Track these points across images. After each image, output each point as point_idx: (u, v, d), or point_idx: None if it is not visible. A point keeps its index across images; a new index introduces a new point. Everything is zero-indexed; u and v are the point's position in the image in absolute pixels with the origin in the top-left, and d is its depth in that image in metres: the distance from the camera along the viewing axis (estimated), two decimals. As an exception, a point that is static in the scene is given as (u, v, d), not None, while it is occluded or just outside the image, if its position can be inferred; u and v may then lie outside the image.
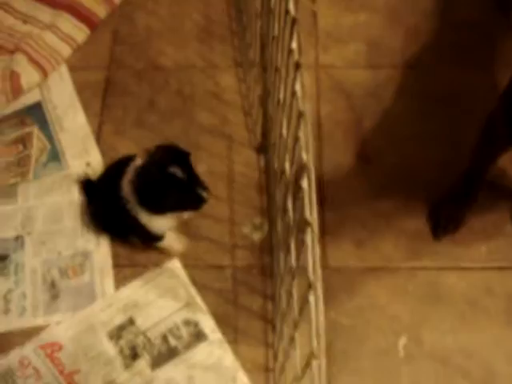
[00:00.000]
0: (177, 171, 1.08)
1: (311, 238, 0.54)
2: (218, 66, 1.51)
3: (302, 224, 0.56)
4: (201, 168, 1.34)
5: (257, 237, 1.29)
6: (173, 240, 1.25)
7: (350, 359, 1.16)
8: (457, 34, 1.53)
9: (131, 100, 1.47)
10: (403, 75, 1.47)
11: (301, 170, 0.59)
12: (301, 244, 0.58)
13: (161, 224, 1.18)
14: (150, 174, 1.09)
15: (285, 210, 0.80)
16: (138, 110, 1.45)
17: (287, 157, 0.78)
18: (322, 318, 0.50)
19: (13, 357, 1.19)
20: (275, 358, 1.12)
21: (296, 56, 0.64)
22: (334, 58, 1.50)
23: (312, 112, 1.40)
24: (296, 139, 0.63)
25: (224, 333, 1.19)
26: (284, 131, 0.80)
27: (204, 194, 1.12)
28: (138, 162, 1.12)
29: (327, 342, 0.56)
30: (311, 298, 0.54)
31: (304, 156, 0.58)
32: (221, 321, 1.20)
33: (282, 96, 0.82)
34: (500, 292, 1.23)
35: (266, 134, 1.28)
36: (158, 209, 1.13)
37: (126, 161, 1.18)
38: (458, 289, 1.23)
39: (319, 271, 0.51)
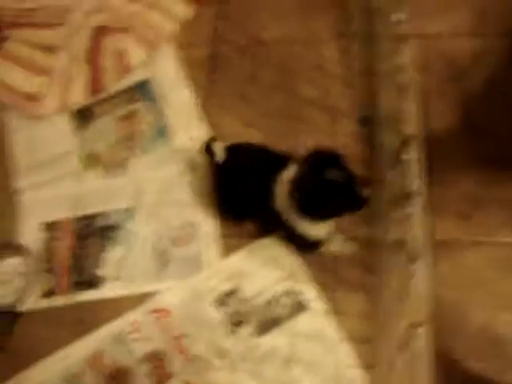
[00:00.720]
0: (335, 176, 1.04)
1: (417, 209, 0.53)
2: (320, 37, 1.50)
3: (408, 195, 0.55)
4: (305, 141, 1.35)
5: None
6: (341, 244, 1.25)
7: (453, 334, 1.14)
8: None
9: (234, 75, 1.49)
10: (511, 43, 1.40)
11: (406, 141, 0.58)
12: (405, 216, 0.57)
13: (319, 230, 1.17)
14: (309, 183, 1.06)
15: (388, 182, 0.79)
16: (241, 85, 1.47)
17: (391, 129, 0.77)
18: (425, 286, 0.49)
19: (125, 320, 1.26)
20: (377, 328, 1.12)
21: (402, 27, 0.63)
22: (439, 27, 1.45)
23: (419, 83, 1.36)
24: (400, 111, 0.62)
25: (326, 303, 1.20)
26: (389, 102, 0.79)
27: (364, 193, 1.07)
28: (291, 171, 1.10)
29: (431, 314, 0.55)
30: (418, 265, 0.53)
31: (409, 128, 0.57)
32: (322, 291, 1.22)
33: (386, 67, 0.80)
34: None
35: (369, 105, 1.27)
36: (322, 217, 1.11)
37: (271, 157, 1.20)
38: None
39: (425, 244, 0.50)
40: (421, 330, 0.54)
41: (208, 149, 1.27)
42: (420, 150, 0.59)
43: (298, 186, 1.07)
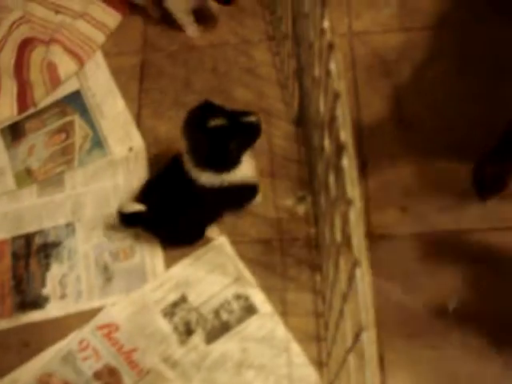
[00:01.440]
0: (216, 122, 1.05)
1: (354, 215, 0.55)
2: (251, 40, 1.51)
3: (345, 201, 0.57)
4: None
5: (300, 209, 1.29)
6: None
7: (400, 325, 1.17)
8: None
9: (168, 82, 1.48)
10: (438, 36, 1.44)
11: (340, 147, 0.59)
12: (345, 217, 0.59)
13: (249, 167, 1.16)
14: (200, 143, 1.07)
15: (327, 186, 0.80)
16: (175, 91, 1.46)
17: (326, 134, 0.78)
18: (369, 291, 0.51)
19: (72, 339, 1.24)
20: (326, 327, 1.14)
21: (329, 36, 0.64)
22: (366, 23, 1.48)
23: (349, 80, 1.39)
24: (333, 118, 0.63)
25: (274, 305, 1.21)
26: (321, 108, 0.80)
27: (253, 119, 1.10)
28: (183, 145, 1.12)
29: (377, 308, 0.56)
30: (358, 272, 0.54)
31: (342, 135, 0.58)
32: (270, 293, 1.22)
33: (317, 73, 0.81)
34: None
35: (302, 106, 1.28)
36: (235, 161, 1.11)
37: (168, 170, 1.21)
38: (505, 249, 1.22)
39: (364, 247, 0.52)
40: (365, 335, 0.55)
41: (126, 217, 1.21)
42: (354, 152, 0.60)
43: (194, 152, 1.09)
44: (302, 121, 1.34)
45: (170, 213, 1.19)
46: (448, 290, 1.19)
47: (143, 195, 1.22)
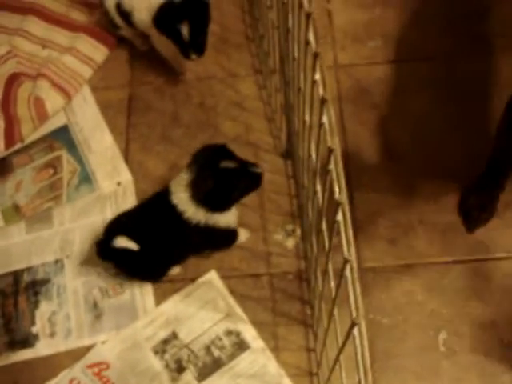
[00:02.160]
0: (227, 164, 1.11)
1: (344, 221, 0.55)
2: (238, 74, 1.52)
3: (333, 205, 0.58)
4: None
5: (290, 243, 1.30)
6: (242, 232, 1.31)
7: (391, 357, 1.17)
8: (473, 22, 1.52)
9: (155, 116, 1.48)
10: (423, 68, 1.47)
11: (328, 154, 0.60)
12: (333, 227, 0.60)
13: (235, 216, 1.22)
14: (208, 178, 1.11)
15: (319, 235, 0.81)
16: (163, 126, 1.47)
17: (318, 181, 0.79)
18: (358, 288, 0.51)
19: (62, 378, 1.22)
20: (318, 363, 1.14)
21: (313, 46, 0.65)
22: (352, 56, 1.50)
23: (335, 112, 1.40)
24: (320, 125, 0.65)
25: (265, 340, 1.21)
26: (307, 118, 0.82)
27: (258, 170, 1.16)
28: (183, 178, 1.14)
29: (368, 341, 0.57)
30: (356, 331, 0.55)
31: (329, 140, 0.60)
32: (261, 329, 1.22)
33: (307, 119, 0.83)
34: (537, 280, 1.23)
35: (290, 139, 1.29)
36: (231, 204, 1.17)
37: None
38: (493, 280, 1.23)
39: (362, 307, 0.52)
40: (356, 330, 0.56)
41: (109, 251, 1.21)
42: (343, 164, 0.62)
43: (197, 185, 1.12)
44: (291, 154, 1.35)
45: (153, 246, 1.20)
46: (438, 321, 1.21)
47: (118, 226, 1.22)
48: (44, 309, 1.30)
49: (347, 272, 0.55)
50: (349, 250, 0.53)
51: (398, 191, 1.33)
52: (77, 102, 1.52)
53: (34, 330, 1.28)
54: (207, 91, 1.50)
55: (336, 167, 0.58)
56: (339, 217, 0.57)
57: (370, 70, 1.48)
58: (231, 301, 1.25)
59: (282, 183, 1.36)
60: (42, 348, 1.26)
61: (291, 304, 1.24)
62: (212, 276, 1.28)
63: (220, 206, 1.15)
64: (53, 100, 1.49)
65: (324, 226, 0.76)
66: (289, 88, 1.04)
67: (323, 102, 0.60)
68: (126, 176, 1.40)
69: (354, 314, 0.53)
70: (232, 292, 1.26)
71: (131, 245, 1.16)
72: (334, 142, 0.58)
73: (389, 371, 1.17)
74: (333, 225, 0.61)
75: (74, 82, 1.51)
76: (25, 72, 1.54)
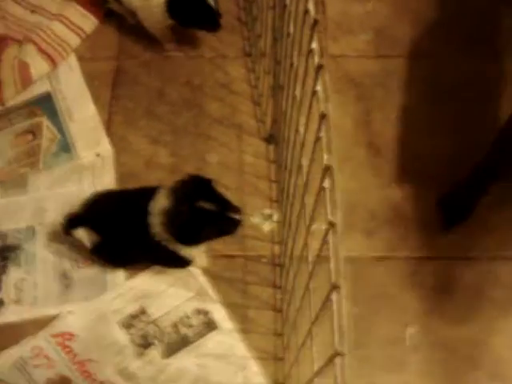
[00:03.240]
0: (205, 205, 1.07)
1: (333, 240, 0.55)
2: (227, 56, 1.51)
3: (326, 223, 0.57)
4: (211, 158, 1.36)
5: (267, 227, 1.29)
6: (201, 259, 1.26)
7: (358, 347, 1.16)
8: (466, 23, 1.53)
9: (141, 90, 1.47)
10: (412, 65, 1.47)
11: (325, 169, 0.59)
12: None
13: (199, 249, 1.19)
14: (181, 214, 1.07)
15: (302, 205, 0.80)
16: (148, 101, 1.45)
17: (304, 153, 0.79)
18: (345, 314, 0.51)
19: (24, 345, 1.19)
20: (286, 347, 1.13)
21: (317, 58, 0.65)
22: (343, 48, 1.50)
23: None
24: (317, 139, 0.63)
25: (234, 322, 1.20)
26: (297, 93, 0.81)
27: (237, 217, 1.11)
28: (161, 201, 1.10)
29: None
30: (334, 296, 0.54)
31: (322, 106, 0.59)
32: (231, 310, 1.21)
33: (298, 93, 0.82)
34: (507, 282, 1.23)
35: (275, 124, 1.29)
36: (197, 242, 1.14)
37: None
38: (465, 279, 1.24)
39: (343, 272, 0.52)
40: (338, 361, 0.55)
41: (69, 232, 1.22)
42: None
43: (171, 217, 1.09)
44: (274, 138, 1.34)
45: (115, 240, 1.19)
46: (407, 316, 1.21)
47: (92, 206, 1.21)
48: (12, 275, 1.27)
49: (330, 237, 0.54)
50: (334, 214, 0.53)
51: (378, 184, 1.33)
52: (62, 70, 1.49)
53: (0, 296, 1.26)
54: (195, 70, 1.49)
55: (327, 133, 0.57)
56: (326, 183, 0.56)
57: (360, 63, 1.48)
58: (202, 280, 1.24)
59: (263, 167, 1.36)
60: (7, 314, 1.23)
61: (263, 288, 1.24)
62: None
63: (186, 242, 1.12)
64: (38, 65, 1.46)
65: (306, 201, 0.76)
66: (279, 67, 1.03)
67: (319, 68, 0.60)
68: (106, 148, 1.38)
69: (334, 278, 0.52)
70: (204, 271, 1.25)
71: (86, 241, 1.17)
72: (327, 108, 0.57)
73: (355, 361, 1.16)
74: (319, 193, 0.61)
75: (60, 49, 1.48)
76: (12, 36, 1.50)
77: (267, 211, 1.31)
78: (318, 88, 0.63)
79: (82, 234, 1.18)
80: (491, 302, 1.21)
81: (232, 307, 1.21)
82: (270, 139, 1.37)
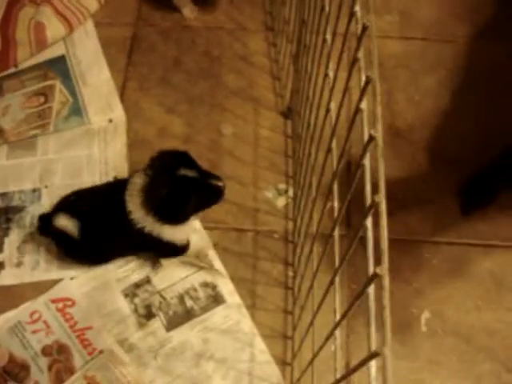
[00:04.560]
0: (187, 172, 1.01)
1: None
2: (248, 28, 1.48)
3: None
4: (226, 130, 1.32)
5: (280, 202, 1.25)
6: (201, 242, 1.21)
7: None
8: (494, 7, 1.49)
9: (157, 58, 1.43)
10: (437, 48, 1.43)
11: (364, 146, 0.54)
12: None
13: (186, 232, 1.12)
14: (163, 185, 1.00)
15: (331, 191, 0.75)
16: (164, 69, 1.42)
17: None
18: (388, 314, 0.45)
19: (23, 310, 1.16)
20: (294, 327, 1.09)
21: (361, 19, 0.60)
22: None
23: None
24: (357, 111, 0.58)
25: (242, 297, 1.15)
26: (330, 73, 0.77)
27: (220, 184, 1.05)
28: (136, 182, 1.03)
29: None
30: (371, 290, 0.50)
31: (371, 131, 0.52)
32: (239, 285, 1.17)
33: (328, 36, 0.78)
34: (526, 271, 1.20)
35: (295, 98, 1.25)
36: (184, 217, 1.06)
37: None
38: (483, 266, 1.19)
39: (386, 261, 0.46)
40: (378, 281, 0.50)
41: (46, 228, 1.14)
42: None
43: (150, 192, 1.01)
44: (292, 113, 1.30)
45: (95, 234, 1.11)
46: (422, 300, 1.16)
47: (65, 204, 1.14)
48: (14, 237, 1.23)
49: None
50: (380, 193, 0.48)
51: (398, 166, 1.28)
52: (78, 34, 1.46)
53: (1, 257, 1.21)
54: (214, 41, 1.45)
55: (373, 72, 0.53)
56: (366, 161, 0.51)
57: (384, 43, 1.44)
58: (211, 252, 1.20)
59: (279, 142, 1.31)
60: (6, 277, 1.19)
61: (274, 264, 1.19)
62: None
63: (171, 218, 1.04)
64: (54, 28, 1.42)
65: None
66: (306, 28, 0.99)
67: (364, 29, 0.55)
68: (118, 113, 1.34)
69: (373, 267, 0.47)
70: (213, 244, 1.21)
71: (71, 227, 1.08)
72: (374, 73, 0.52)
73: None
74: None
75: (78, 13, 1.45)
76: (29, -3, 1.47)
77: (282, 186, 1.26)
78: (360, 55, 0.59)
79: (65, 222, 1.09)
80: (509, 290, 1.17)
81: (240, 282, 1.17)
82: (288, 113, 1.33)
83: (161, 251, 1.16)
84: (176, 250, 1.15)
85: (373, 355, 0.45)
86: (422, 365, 1.11)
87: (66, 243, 1.14)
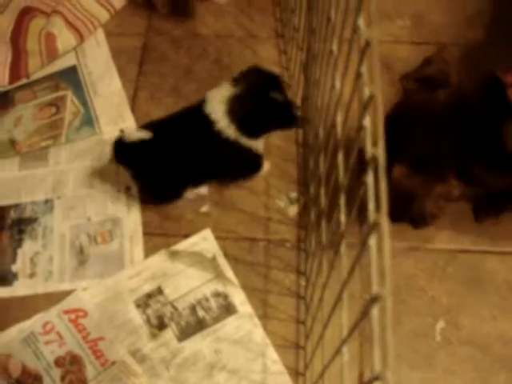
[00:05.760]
0: (277, 96, 1.07)
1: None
2: (258, 36, 1.47)
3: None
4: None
5: (292, 211, 1.24)
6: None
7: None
8: (506, 11, 1.47)
9: (168, 68, 1.43)
10: (448, 52, 1.42)
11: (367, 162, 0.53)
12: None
13: (259, 145, 1.17)
14: (253, 101, 1.07)
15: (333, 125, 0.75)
16: (175, 78, 1.41)
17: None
18: (390, 335, 0.44)
19: (36, 321, 1.16)
20: (307, 336, 1.08)
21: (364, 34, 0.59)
22: (379, 32, 1.45)
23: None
24: (360, 128, 0.58)
25: (254, 307, 1.15)
26: (337, 83, 0.76)
27: (298, 114, 1.15)
28: (223, 91, 1.09)
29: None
30: (374, 311, 0.48)
31: (370, 148, 0.51)
32: (251, 294, 1.16)
33: (335, 47, 0.77)
34: (543, 279, 1.17)
35: (305, 107, 1.24)
36: (260, 134, 1.13)
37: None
38: (499, 274, 1.17)
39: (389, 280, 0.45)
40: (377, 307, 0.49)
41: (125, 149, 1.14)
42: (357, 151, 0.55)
43: (240, 104, 1.07)
44: (303, 121, 1.29)
45: (176, 152, 1.12)
46: (437, 309, 1.15)
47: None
48: (27, 248, 1.24)
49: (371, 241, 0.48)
50: (381, 213, 0.46)
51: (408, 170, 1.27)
52: (89, 44, 1.47)
53: (14, 268, 1.22)
54: (225, 49, 1.45)
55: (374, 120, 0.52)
56: (369, 179, 0.50)
57: (395, 48, 1.42)
58: (223, 262, 1.19)
59: (291, 151, 1.31)
60: (20, 288, 1.20)
61: (286, 273, 1.18)
62: (207, 234, 1.22)
63: (251, 132, 1.10)
64: (65, 38, 1.43)
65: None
66: (314, 37, 0.99)
67: (367, 44, 0.54)
68: (130, 123, 1.34)
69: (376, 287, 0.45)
70: (225, 254, 1.20)
71: (144, 134, 1.10)
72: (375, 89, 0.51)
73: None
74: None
75: (89, 24, 1.46)
76: (40, 8, 1.48)
77: (294, 194, 1.25)
78: (363, 70, 0.58)
79: (142, 133, 1.11)
80: (526, 299, 1.15)
81: (252, 291, 1.16)
82: (299, 122, 1.32)
83: (244, 164, 1.19)
84: (258, 161, 1.20)
85: (374, 378, 0.43)
86: (436, 375, 1.09)
87: (143, 171, 1.16)
